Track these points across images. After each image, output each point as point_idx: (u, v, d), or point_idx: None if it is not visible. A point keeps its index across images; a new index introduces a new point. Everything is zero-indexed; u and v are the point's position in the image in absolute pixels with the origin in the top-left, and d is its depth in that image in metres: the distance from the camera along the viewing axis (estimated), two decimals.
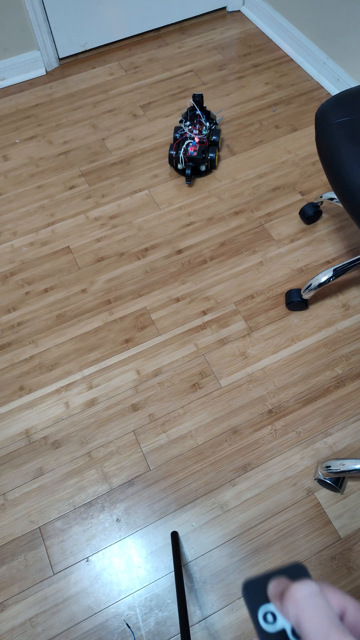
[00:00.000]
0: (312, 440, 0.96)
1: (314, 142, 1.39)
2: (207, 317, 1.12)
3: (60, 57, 1.65)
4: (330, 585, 0.22)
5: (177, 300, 1.14)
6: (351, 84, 1.45)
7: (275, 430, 0.97)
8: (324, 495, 0.91)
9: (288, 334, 1.09)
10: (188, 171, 1.28)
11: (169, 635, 0.81)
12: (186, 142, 1.27)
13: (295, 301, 1.09)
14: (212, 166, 1.34)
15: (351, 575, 0.84)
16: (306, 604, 0.19)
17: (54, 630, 0.82)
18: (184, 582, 0.83)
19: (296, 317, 1.11)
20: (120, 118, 1.50)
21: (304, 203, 1.28)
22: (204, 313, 1.12)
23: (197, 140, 1.27)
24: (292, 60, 1.61)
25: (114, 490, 0.93)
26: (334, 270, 1.05)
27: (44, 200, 1.33)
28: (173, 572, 0.85)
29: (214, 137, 1.31)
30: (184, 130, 1.29)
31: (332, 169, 0.86)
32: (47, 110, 1.53)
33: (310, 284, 1.05)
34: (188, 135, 1.27)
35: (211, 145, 1.31)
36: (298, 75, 1.56)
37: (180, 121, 1.32)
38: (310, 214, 1.21)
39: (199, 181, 1.34)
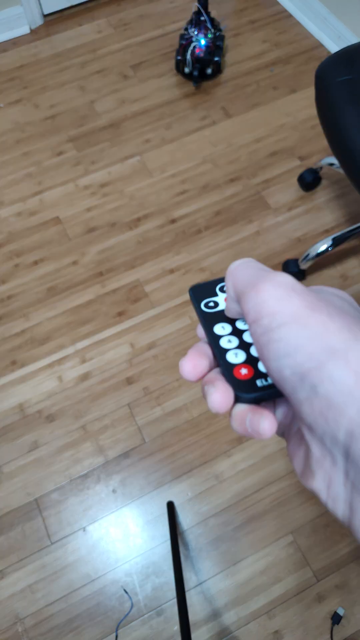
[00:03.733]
0: None
1: (314, 104, 1.33)
2: None
3: (44, 13, 1.55)
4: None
5: (172, 271, 1.12)
6: (353, 41, 1.37)
7: None
8: None
9: None
10: (195, 72, 1.31)
11: (166, 600, 0.83)
12: (192, 45, 1.30)
13: (293, 272, 1.07)
14: (217, 70, 1.37)
15: (344, 541, 0.86)
16: (238, 267, 0.20)
17: (53, 596, 0.84)
18: (180, 549, 0.85)
19: None
20: (109, 79, 1.42)
21: (303, 169, 1.23)
22: None
23: (203, 42, 1.29)
24: (291, 16, 1.51)
25: (109, 462, 0.93)
26: (333, 239, 1.02)
27: (31, 167, 1.27)
28: (169, 541, 0.86)
29: (218, 43, 1.33)
30: (189, 35, 1.31)
31: (333, 131, 0.82)
32: (33, 72, 1.45)
33: (308, 254, 1.03)
34: (194, 39, 1.30)
35: (216, 49, 1.33)
36: (297, 32, 1.48)
37: (185, 29, 1.33)
38: (309, 181, 1.17)
39: (194, 145, 1.28)
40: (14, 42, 1.52)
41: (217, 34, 1.33)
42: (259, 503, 0.89)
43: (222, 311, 0.23)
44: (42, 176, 1.26)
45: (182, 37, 1.32)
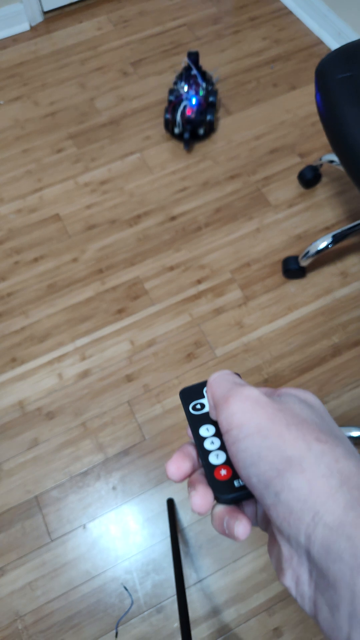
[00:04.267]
0: None
1: (314, 101, 1.33)
2: (202, 286, 1.09)
3: (44, 10, 1.54)
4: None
5: (171, 268, 1.11)
6: (353, 38, 1.36)
7: None
8: None
9: (285, 302, 1.07)
10: (186, 135, 1.20)
11: (166, 597, 0.83)
12: (183, 105, 1.18)
13: (293, 269, 1.06)
14: (210, 129, 1.25)
15: None
16: (215, 379, 0.24)
17: (53, 593, 0.84)
18: (180, 547, 0.84)
19: (293, 286, 1.08)
20: (109, 76, 1.41)
21: (303, 166, 1.23)
22: (199, 282, 1.09)
23: (194, 101, 1.18)
24: (291, 12, 1.51)
25: (109, 460, 0.93)
26: (333, 236, 1.02)
27: (31, 164, 1.27)
28: (169, 538, 0.86)
29: (211, 98, 1.22)
30: (179, 92, 1.20)
31: (333, 128, 0.81)
32: (32, 69, 1.44)
33: (308, 251, 1.03)
34: (184, 97, 1.19)
35: (209, 106, 1.23)
36: (297, 29, 1.47)
37: (175, 82, 1.23)
38: (310, 178, 1.17)
39: (196, 146, 1.28)
40: (14, 39, 1.51)
41: (210, 87, 1.23)
42: None
43: (207, 413, 0.25)
44: (42, 173, 1.26)
45: (170, 92, 1.22)
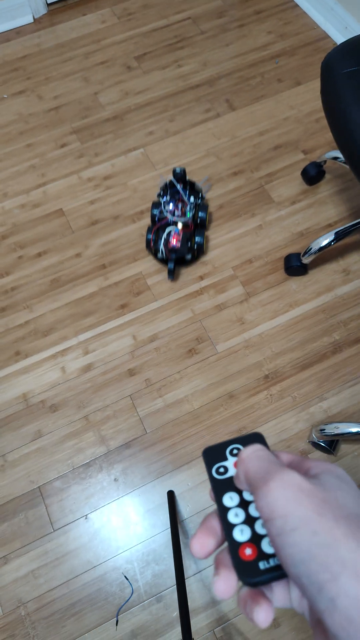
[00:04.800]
0: (307, 404, 0.97)
1: (319, 97, 1.32)
2: (204, 282, 1.10)
3: (48, 2, 1.53)
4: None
5: None
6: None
7: (271, 395, 0.98)
8: (317, 457, 0.92)
9: (286, 299, 1.07)
10: (170, 265, 1.02)
11: (165, 587, 0.85)
12: (167, 231, 1.02)
13: (295, 266, 1.07)
14: (199, 252, 1.07)
15: None
16: (249, 457, 0.22)
17: (55, 581, 0.86)
18: (180, 538, 0.86)
19: (295, 283, 1.09)
20: (113, 70, 1.41)
21: (307, 162, 1.23)
22: (201, 278, 1.10)
23: (180, 226, 1.02)
24: (297, 6, 1.50)
25: (111, 452, 0.94)
26: (336, 233, 1.02)
27: (35, 159, 1.27)
28: (169, 529, 0.88)
29: (200, 214, 1.06)
30: (163, 210, 1.05)
31: (338, 124, 0.81)
32: (36, 62, 1.44)
33: (310, 248, 1.03)
34: (169, 220, 1.03)
35: (197, 227, 1.07)
36: (303, 23, 1.46)
37: (159, 194, 1.07)
38: (313, 175, 1.17)
39: (198, 137, 1.28)
40: (17, 32, 1.51)
41: (199, 201, 1.07)
42: None
43: (231, 478, 0.24)
44: (46, 168, 1.26)
45: (154, 205, 1.07)
